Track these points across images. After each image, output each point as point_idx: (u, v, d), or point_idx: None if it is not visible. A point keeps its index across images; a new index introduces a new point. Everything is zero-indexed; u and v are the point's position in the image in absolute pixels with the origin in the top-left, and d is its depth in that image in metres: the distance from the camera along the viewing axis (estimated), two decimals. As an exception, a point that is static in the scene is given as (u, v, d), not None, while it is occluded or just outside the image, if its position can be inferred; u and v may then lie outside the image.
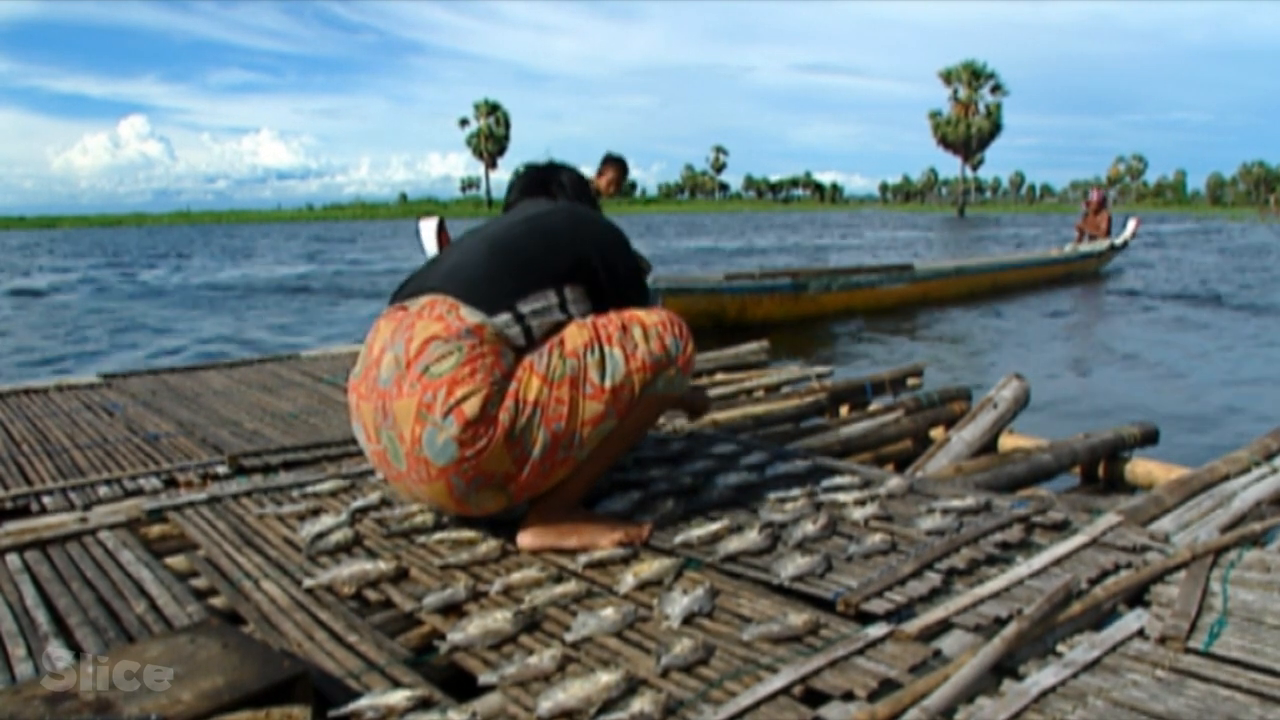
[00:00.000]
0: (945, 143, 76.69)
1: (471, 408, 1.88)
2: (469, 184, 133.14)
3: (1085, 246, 16.97)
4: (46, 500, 2.48)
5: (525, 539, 2.02)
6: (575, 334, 2.01)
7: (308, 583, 1.84)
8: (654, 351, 2.04)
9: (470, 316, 1.96)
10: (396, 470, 2.03)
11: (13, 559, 2.01)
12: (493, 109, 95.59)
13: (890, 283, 11.47)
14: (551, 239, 2.14)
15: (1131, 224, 18.01)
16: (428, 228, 6.34)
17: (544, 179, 2.46)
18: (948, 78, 75.64)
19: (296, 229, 63.55)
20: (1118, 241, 17.45)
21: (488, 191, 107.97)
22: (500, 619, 1.62)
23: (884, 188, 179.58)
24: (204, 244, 39.54)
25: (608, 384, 1.97)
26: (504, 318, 1.98)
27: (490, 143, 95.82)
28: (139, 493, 2.53)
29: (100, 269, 24.18)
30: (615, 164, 5.74)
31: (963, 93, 75.33)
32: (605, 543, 2.01)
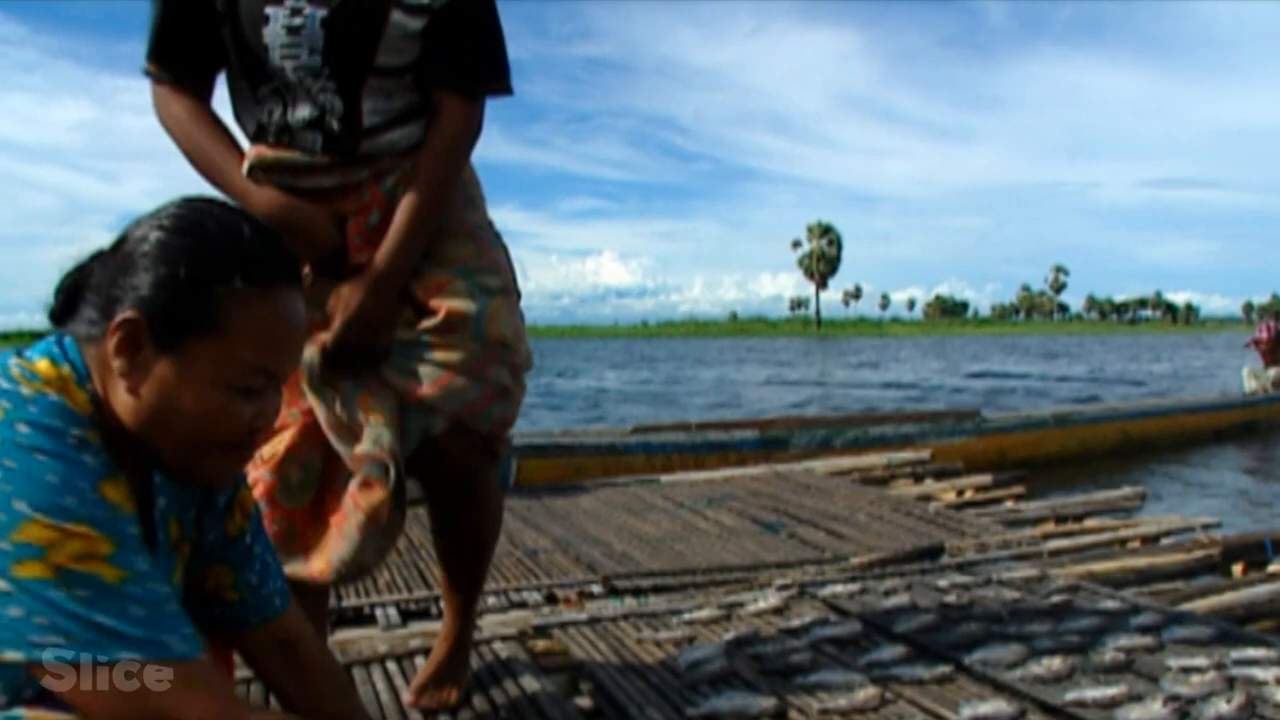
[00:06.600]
0: (1329, 259, 68.86)
1: None
2: (798, 303, 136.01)
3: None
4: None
5: None
6: None
7: (690, 712, 1.88)
8: None
9: None
10: None
11: (420, 661, 2.21)
12: (825, 230, 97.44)
13: (939, 436, 7.79)
14: None
15: None
16: None
17: None
18: (1332, 188, 68.30)
19: (632, 344, 67.25)
20: None
21: (816, 311, 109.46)
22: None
23: (1248, 308, 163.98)
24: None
25: None
26: None
27: (822, 263, 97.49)
28: (523, 605, 2.71)
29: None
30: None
31: (1351, 204, 67.63)
32: None
